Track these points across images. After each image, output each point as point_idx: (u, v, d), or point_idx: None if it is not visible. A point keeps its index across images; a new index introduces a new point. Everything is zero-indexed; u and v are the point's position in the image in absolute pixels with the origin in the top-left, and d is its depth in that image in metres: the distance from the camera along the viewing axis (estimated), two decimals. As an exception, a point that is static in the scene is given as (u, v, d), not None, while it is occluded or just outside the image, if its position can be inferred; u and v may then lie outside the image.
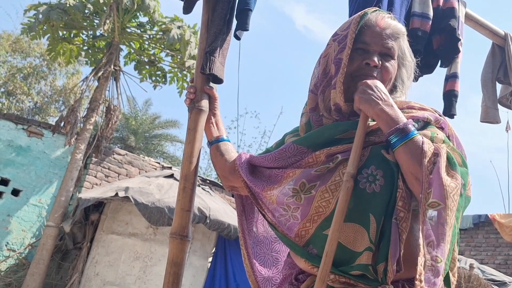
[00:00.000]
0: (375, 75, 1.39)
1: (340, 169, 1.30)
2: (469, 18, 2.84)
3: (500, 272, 9.86)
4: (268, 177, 1.42)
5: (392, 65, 1.42)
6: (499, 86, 3.20)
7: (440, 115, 1.39)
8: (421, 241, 1.14)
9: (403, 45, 1.47)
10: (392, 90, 1.46)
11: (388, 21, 1.44)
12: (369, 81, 1.34)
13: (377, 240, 1.23)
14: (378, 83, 1.34)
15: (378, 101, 1.29)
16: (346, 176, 1.25)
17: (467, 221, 12.60)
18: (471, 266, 8.30)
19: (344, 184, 1.24)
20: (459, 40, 2.60)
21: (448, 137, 1.35)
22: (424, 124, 1.33)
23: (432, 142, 1.25)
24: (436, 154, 1.20)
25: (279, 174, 1.39)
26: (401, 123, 1.25)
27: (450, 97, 2.75)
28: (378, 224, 1.24)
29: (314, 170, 1.32)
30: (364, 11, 1.45)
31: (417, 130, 1.29)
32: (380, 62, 1.39)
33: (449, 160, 1.22)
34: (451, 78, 2.75)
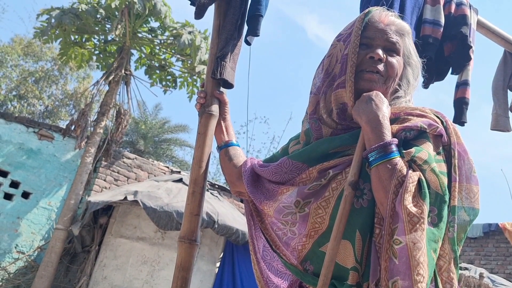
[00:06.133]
0: (381, 68, 1.35)
1: (331, 184, 1.29)
2: (481, 25, 2.83)
3: (510, 282, 9.76)
4: (267, 191, 1.42)
5: (397, 61, 1.38)
6: (510, 94, 3.18)
7: (444, 120, 1.32)
8: (383, 282, 1.11)
9: (408, 44, 1.42)
10: (396, 89, 1.41)
11: (392, 19, 1.41)
12: (366, 94, 1.31)
13: (362, 259, 1.21)
14: (375, 95, 1.30)
15: (367, 114, 1.26)
16: (346, 185, 1.23)
17: (477, 230, 12.49)
18: (481, 276, 8.22)
19: (344, 193, 1.23)
20: (471, 47, 2.59)
21: (449, 145, 1.28)
22: (418, 133, 1.26)
23: (414, 163, 1.20)
24: (401, 182, 1.15)
25: (275, 190, 1.38)
26: (380, 142, 1.21)
27: (460, 104, 2.73)
28: (363, 241, 1.21)
29: (308, 188, 1.31)
30: (368, 9, 1.42)
31: (411, 139, 1.25)
32: (384, 56, 1.36)
33: (420, 187, 1.16)
34: (462, 85, 2.74)
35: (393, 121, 1.30)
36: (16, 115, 9.51)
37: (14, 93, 15.61)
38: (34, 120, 8.44)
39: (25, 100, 15.68)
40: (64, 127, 8.14)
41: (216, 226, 7.14)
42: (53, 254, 7.25)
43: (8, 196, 7.62)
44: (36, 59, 16.26)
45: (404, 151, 1.22)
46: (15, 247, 7.61)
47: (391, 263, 1.11)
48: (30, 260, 7.70)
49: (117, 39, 8.40)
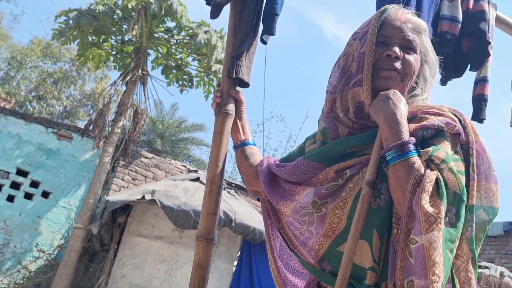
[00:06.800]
0: (398, 66, 1.34)
1: (348, 184, 1.28)
2: (499, 21, 2.79)
3: (531, 281, 9.60)
4: (284, 191, 1.42)
5: (414, 58, 1.37)
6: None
7: (462, 119, 1.30)
8: (398, 281, 1.11)
9: (425, 42, 1.41)
10: (414, 87, 1.40)
11: (409, 16, 1.40)
12: (383, 92, 1.30)
13: (380, 259, 1.20)
14: (392, 94, 1.29)
15: (384, 113, 1.25)
16: (363, 184, 1.23)
17: (497, 228, 12.32)
18: (502, 274, 8.12)
19: (361, 192, 1.23)
20: (489, 43, 2.55)
21: (467, 144, 1.27)
22: (436, 131, 1.26)
23: (432, 163, 1.18)
24: (419, 182, 1.14)
25: (292, 190, 1.38)
26: (397, 141, 1.20)
27: (479, 101, 2.69)
28: (381, 241, 1.21)
29: (325, 188, 1.30)
30: (384, 7, 1.41)
31: (428, 138, 1.24)
32: (401, 53, 1.35)
33: (438, 186, 1.14)
34: (480, 82, 2.70)
35: (410, 120, 1.29)
36: (36, 115, 9.65)
37: (33, 94, 15.84)
38: (53, 121, 8.55)
39: (44, 101, 15.90)
40: (83, 127, 8.24)
41: (233, 225, 7.16)
42: (73, 252, 7.35)
43: (28, 196, 7.74)
44: (54, 60, 16.48)
45: (421, 150, 1.21)
46: (36, 246, 7.73)
47: (407, 262, 1.10)
48: (50, 258, 7.81)
49: (134, 40, 8.46)
